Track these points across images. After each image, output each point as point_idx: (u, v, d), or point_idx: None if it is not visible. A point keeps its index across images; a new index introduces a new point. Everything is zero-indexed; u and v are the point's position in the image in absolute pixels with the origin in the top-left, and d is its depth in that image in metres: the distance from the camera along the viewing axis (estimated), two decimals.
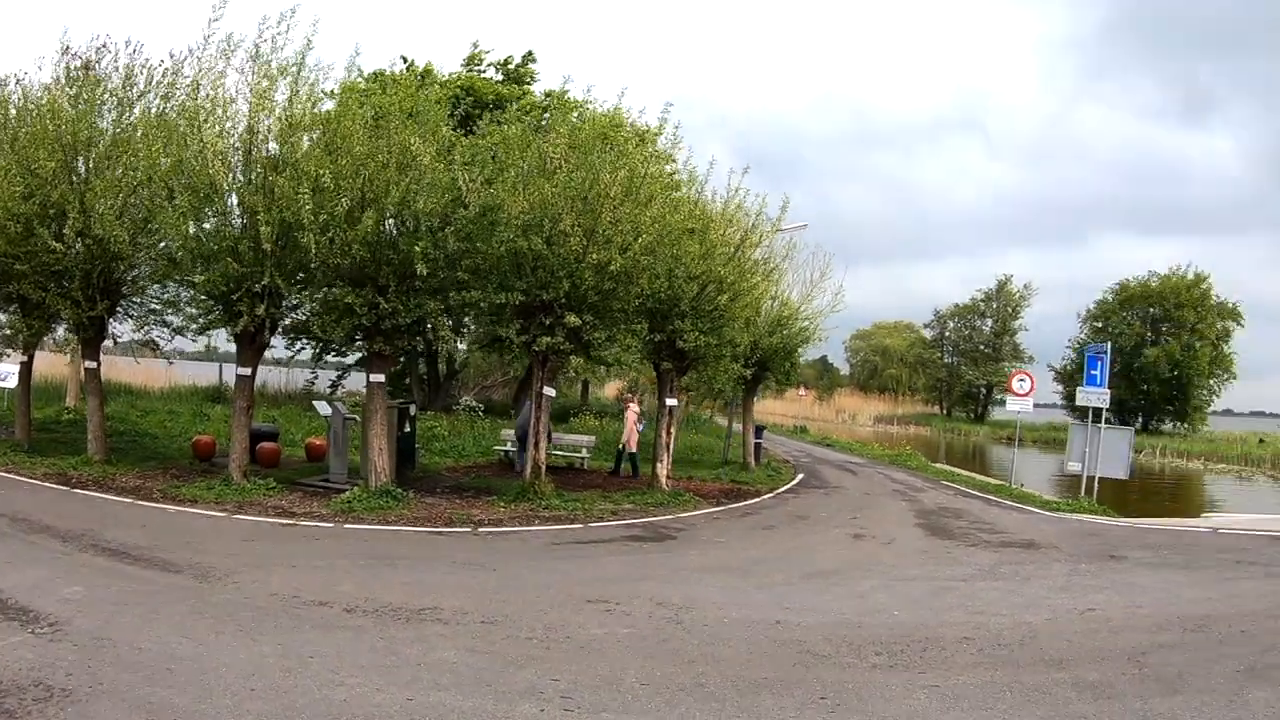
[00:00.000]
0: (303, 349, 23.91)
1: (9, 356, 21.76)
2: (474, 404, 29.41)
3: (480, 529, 12.89)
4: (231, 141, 13.84)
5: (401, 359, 26.39)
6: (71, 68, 15.87)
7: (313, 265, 13.42)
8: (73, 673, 6.17)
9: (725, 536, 13.72)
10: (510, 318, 14.62)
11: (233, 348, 15.46)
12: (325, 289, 13.79)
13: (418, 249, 13.08)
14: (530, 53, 31.82)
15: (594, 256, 13.66)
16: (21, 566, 9.04)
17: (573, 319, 13.90)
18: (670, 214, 15.13)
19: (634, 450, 19.92)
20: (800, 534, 14.47)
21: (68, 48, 15.97)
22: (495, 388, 36.23)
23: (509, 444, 20.39)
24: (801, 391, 46.36)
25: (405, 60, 30.19)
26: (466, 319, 21.42)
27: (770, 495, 18.99)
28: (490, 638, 7.52)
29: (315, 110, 14.17)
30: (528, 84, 31.50)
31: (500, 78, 31.18)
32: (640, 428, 20.43)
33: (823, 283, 23.61)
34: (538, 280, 13.94)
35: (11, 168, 14.99)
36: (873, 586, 10.39)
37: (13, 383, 24.21)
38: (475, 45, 31.56)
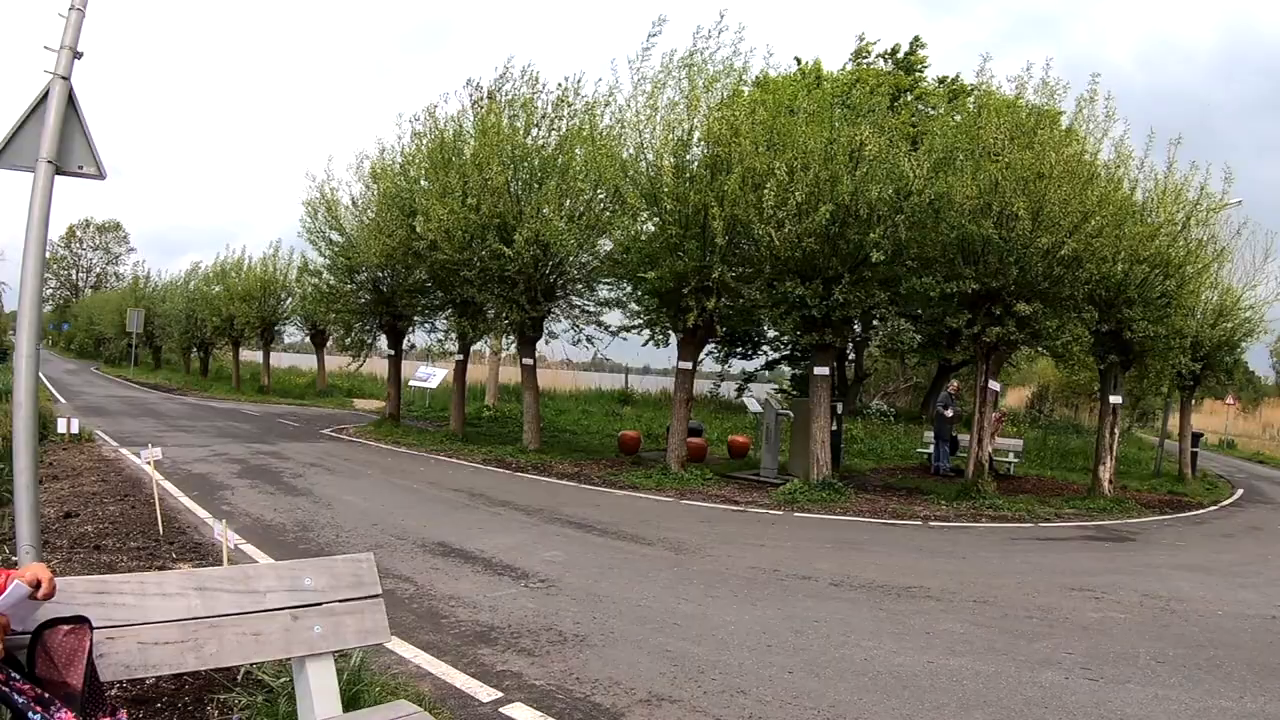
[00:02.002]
0: (707, 354, 24.42)
1: (438, 360, 24.48)
2: (885, 408, 28.78)
3: (930, 523, 12.53)
4: (673, 143, 14.40)
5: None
6: (478, 99, 17.33)
7: (761, 259, 13.53)
8: (580, 621, 6.45)
9: (1184, 541, 12.76)
10: (957, 308, 14.06)
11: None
12: (772, 282, 13.86)
13: (872, 237, 12.90)
14: (918, 38, 30.48)
15: (1042, 240, 12.91)
16: (493, 533, 9.73)
17: (1023, 307, 13.23)
18: (1113, 192, 14.02)
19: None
20: (1264, 543, 13.26)
21: (470, 79, 17.54)
22: (898, 393, 35.37)
23: (930, 447, 19.48)
24: (1230, 400, 39.49)
25: (798, 61, 30.00)
26: (875, 320, 20.65)
27: (1215, 508, 17.23)
28: (987, 615, 7.35)
29: (749, 112, 14.19)
30: (918, 71, 30.10)
31: (889, 67, 30.00)
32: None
33: (1265, 267, 20.19)
34: (986, 268, 13.39)
35: (469, 179, 16.41)
36: None
37: (434, 384, 27.39)
38: (860, 38, 30.80)
